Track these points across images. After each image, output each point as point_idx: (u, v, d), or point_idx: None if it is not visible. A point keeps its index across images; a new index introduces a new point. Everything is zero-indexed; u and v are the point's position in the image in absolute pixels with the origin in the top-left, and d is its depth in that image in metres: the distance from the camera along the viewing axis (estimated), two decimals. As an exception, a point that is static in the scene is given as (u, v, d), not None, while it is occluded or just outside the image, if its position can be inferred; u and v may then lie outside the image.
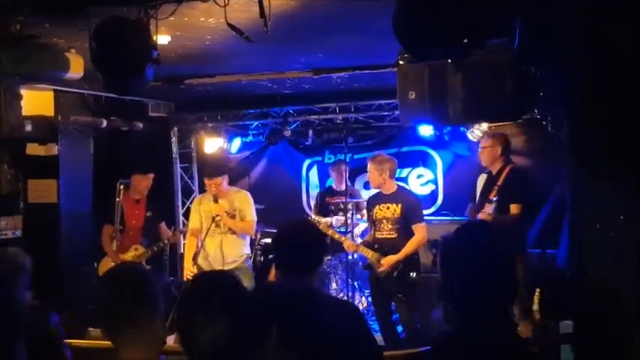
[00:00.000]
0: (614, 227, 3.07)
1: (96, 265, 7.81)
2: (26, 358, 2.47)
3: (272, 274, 7.10)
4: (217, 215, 6.81)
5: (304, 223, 5.52)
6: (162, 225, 7.81)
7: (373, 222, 6.88)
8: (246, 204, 7.07)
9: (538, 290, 6.39)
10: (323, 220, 8.02)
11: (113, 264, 7.03)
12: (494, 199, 6.23)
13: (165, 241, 7.64)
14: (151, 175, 7.70)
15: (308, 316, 1.55)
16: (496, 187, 6.50)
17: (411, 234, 6.69)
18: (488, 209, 6.23)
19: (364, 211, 8.43)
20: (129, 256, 7.41)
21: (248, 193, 7.26)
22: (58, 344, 3.86)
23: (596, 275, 3.22)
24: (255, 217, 7.15)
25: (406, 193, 7.13)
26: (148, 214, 7.68)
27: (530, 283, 6.28)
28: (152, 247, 7.47)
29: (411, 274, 6.63)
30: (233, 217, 6.96)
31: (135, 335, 2.37)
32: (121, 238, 7.44)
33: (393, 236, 6.71)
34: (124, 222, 7.52)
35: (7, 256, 4.23)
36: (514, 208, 6.36)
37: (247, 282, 6.79)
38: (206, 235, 6.86)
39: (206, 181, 7.05)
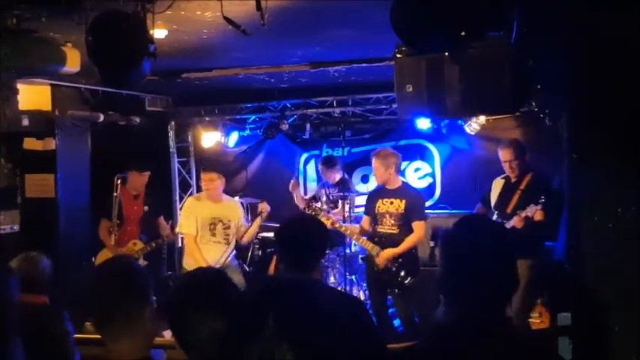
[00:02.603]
0: (612, 219, 3.07)
1: (94, 259, 7.82)
2: (33, 357, 2.48)
3: (271, 268, 7.16)
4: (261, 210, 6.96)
5: (306, 216, 5.52)
6: (161, 219, 7.83)
7: (375, 216, 6.87)
8: (238, 215, 7.14)
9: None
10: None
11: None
12: (542, 200, 6.23)
13: (164, 239, 7.66)
14: (147, 173, 7.72)
15: (308, 307, 1.54)
16: (519, 192, 6.50)
17: (412, 230, 6.70)
18: (531, 212, 6.25)
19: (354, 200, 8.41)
20: (127, 250, 7.41)
21: (238, 203, 7.39)
22: (67, 342, 3.86)
23: (594, 267, 3.22)
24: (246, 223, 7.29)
25: (410, 189, 7.12)
26: (145, 208, 7.70)
27: (536, 285, 6.31)
28: (150, 244, 7.48)
29: (408, 279, 6.64)
30: (228, 227, 6.98)
31: (123, 328, 2.37)
32: (119, 233, 7.44)
33: (395, 231, 6.72)
34: (122, 216, 7.53)
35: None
36: (538, 215, 6.36)
37: (236, 278, 6.79)
38: (200, 242, 6.87)
39: (202, 175, 7.09)
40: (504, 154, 6.73)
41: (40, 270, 4.38)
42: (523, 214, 6.28)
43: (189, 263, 6.89)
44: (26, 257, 4.40)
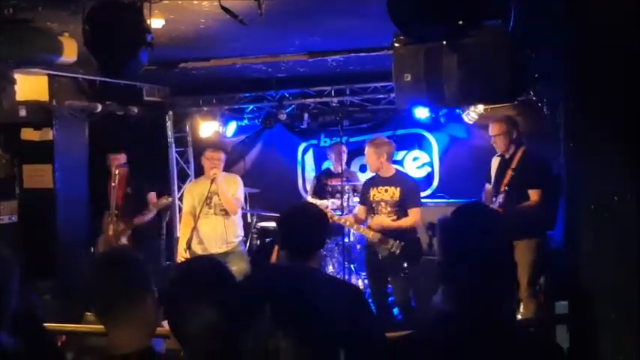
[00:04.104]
0: (609, 208, 3.07)
1: (92, 250, 7.89)
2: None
3: (274, 256, 7.21)
4: (214, 173, 6.88)
5: (308, 205, 5.56)
6: (150, 195, 7.95)
7: (370, 205, 6.89)
8: (234, 185, 7.20)
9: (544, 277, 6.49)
10: (319, 202, 8.00)
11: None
12: (504, 190, 6.30)
13: (147, 212, 7.77)
14: (123, 155, 7.93)
15: (305, 295, 1.55)
16: (510, 171, 6.51)
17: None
18: (501, 198, 6.35)
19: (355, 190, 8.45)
20: (112, 232, 7.58)
21: (238, 177, 7.42)
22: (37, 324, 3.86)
23: (591, 256, 3.23)
24: (241, 198, 7.30)
25: (405, 176, 7.17)
26: (128, 190, 7.83)
27: (539, 265, 6.36)
28: (131, 222, 7.63)
29: (410, 262, 6.67)
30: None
31: (125, 317, 2.39)
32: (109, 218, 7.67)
33: (392, 218, 6.73)
34: (107, 199, 7.70)
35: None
36: (533, 194, 6.38)
37: (242, 266, 6.86)
38: (199, 217, 6.89)
39: (208, 153, 7.10)
40: (492, 129, 6.81)
41: None
42: (496, 202, 6.38)
43: (194, 244, 6.96)
44: None
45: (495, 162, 6.89)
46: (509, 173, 6.50)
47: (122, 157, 7.93)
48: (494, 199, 6.56)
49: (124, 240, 7.54)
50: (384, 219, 6.70)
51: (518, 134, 6.73)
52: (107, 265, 2.55)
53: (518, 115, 8.49)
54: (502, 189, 6.51)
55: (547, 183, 6.40)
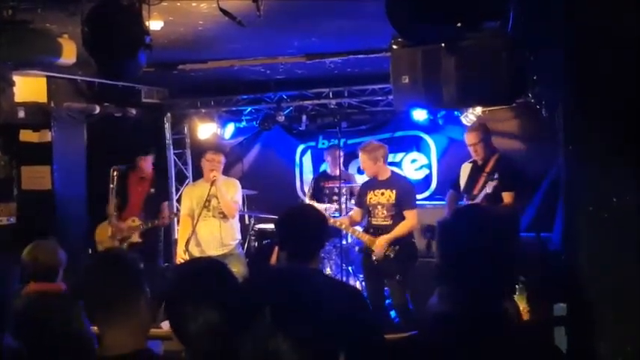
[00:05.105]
0: (607, 209, 3.07)
1: (90, 251, 7.91)
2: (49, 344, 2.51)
3: (273, 258, 7.20)
4: (214, 176, 6.91)
5: (306, 207, 5.57)
6: (165, 204, 8.09)
7: (367, 208, 6.90)
8: (233, 188, 7.20)
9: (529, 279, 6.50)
10: (317, 205, 8.01)
11: (110, 230, 7.62)
12: (496, 177, 6.33)
13: (161, 220, 7.89)
14: (149, 157, 8.08)
15: (305, 296, 1.55)
16: (485, 174, 6.56)
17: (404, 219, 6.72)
18: (489, 188, 6.34)
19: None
20: (126, 225, 7.73)
21: (237, 181, 7.44)
22: (84, 329, 3.86)
23: (589, 257, 3.23)
24: (240, 202, 7.35)
25: (400, 179, 7.16)
26: (151, 190, 7.98)
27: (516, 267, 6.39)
28: (147, 222, 7.73)
29: (406, 265, 6.69)
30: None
31: (119, 319, 2.39)
32: (123, 211, 7.84)
33: (388, 223, 6.74)
34: (127, 196, 7.87)
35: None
36: (507, 197, 6.45)
37: (240, 268, 6.86)
38: (198, 220, 6.89)
39: (209, 155, 7.09)
40: (469, 138, 6.86)
41: (56, 257, 4.38)
42: (482, 193, 6.41)
43: (192, 246, 6.96)
44: (40, 245, 4.37)
45: (466, 168, 6.96)
46: (484, 176, 6.57)
47: (149, 159, 8.11)
48: (462, 203, 6.63)
49: (135, 236, 7.71)
50: (384, 239, 6.68)
51: (490, 140, 6.81)
52: (100, 267, 2.56)
53: (516, 117, 8.52)
54: (475, 193, 6.55)
55: (520, 187, 6.49)
